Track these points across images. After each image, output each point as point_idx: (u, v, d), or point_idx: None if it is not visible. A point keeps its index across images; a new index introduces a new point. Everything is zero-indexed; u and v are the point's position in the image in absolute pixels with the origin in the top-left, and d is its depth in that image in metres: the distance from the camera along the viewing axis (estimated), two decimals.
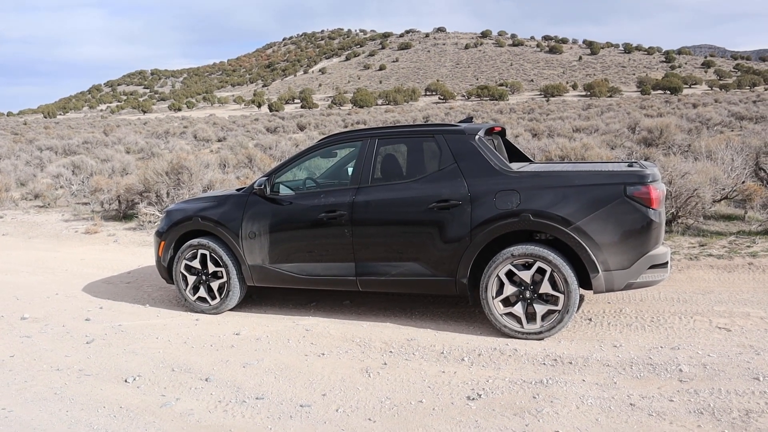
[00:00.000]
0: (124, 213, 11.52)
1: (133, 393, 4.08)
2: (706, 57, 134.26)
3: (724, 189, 8.34)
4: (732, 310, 5.10)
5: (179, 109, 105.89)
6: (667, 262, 4.65)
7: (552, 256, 4.52)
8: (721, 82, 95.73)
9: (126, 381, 4.26)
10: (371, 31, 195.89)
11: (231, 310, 5.83)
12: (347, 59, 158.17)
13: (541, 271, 4.60)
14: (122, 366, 4.54)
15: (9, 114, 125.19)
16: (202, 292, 5.79)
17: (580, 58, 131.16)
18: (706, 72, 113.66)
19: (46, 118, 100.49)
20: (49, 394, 4.10)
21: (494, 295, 4.72)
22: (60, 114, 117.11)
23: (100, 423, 3.68)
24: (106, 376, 4.37)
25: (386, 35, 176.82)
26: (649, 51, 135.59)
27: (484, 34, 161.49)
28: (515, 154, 5.97)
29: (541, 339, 4.66)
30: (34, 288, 6.91)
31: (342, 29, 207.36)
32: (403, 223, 4.99)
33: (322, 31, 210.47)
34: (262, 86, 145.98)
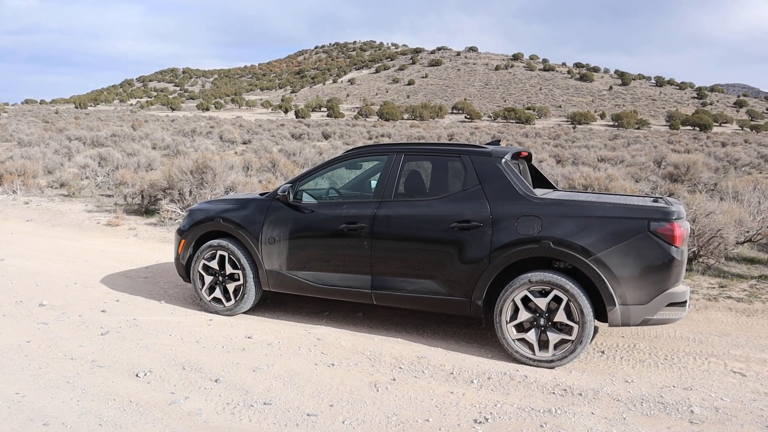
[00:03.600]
0: (146, 208, 11.68)
1: (144, 388, 4.13)
2: (738, 96, 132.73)
3: (748, 231, 8.22)
4: (748, 355, 5.02)
5: (207, 109, 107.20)
6: (686, 301, 4.60)
7: (569, 285, 4.50)
8: (752, 122, 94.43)
9: (137, 375, 4.31)
10: (403, 45, 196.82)
11: (245, 313, 5.87)
12: (377, 71, 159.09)
13: (557, 300, 4.57)
14: (134, 360, 4.59)
15: (42, 102, 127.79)
16: (217, 293, 5.84)
17: (611, 87, 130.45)
18: (737, 111, 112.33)
19: (77, 108, 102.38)
20: (62, 382, 4.16)
21: (508, 319, 4.70)
22: (91, 105, 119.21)
23: (110, 415, 3.72)
24: (118, 369, 4.42)
25: (417, 51, 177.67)
26: (681, 86, 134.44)
27: (516, 57, 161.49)
28: (539, 180, 5.97)
29: (552, 368, 4.62)
30: (53, 276, 7.03)
31: (374, 42, 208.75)
32: (422, 240, 5.01)
33: (354, 42, 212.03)
34: (291, 92, 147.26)
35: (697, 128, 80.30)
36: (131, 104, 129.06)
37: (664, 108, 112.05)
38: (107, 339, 5.03)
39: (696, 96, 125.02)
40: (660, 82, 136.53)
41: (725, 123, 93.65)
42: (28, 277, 6.88)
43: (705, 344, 5.28)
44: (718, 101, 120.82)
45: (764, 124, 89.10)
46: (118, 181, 12.84)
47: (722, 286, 6.97)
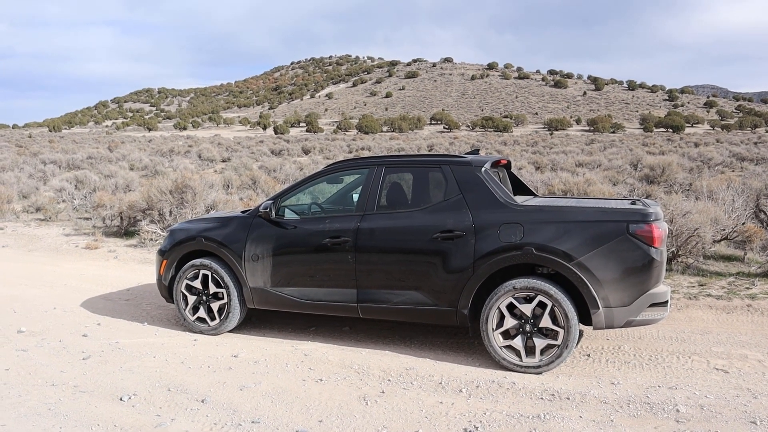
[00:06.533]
0: (126, 230, 11.54)
1: (128, 412, 4.06)
2: (708, 97, 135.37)
3: (724, 229, 8.37)
4: (730, 352, 5.09)
5: (185, 128, 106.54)
6: (667, 301, 4.67)
7: (553, 290, 4.54)
8: (722, 122, 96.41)
9: (121, 399, 4.24)
10: (378, 58, 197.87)
11: (230, 331, 5.82)
12: (354, 85, 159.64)
13: (542, 305, 4.61)
14: (118, 384, 4.52)
15: (14, 126, 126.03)
16: (201, 313, 5.78)
17: (585, 93, 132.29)
18: (708, 112, 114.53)
19: (51, 131, 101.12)
20: (43, 409, 4.08)
21: (494, 327, 4.72)
22: (65, 128, 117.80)
23: None
24: (102, 394, 4.35)
25: (394, 63, 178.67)
26: (653, 89, 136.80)
27: (491, 66, 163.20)
28: (519, 187, 6.03)
29: (540, 373, 4.64)
30: (31, 301, 6.90)
31: (350, 56, 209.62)
32: (406, 252, 5.02)
33: (330, 57, 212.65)
34: (269, 108, 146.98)
35: (670, 130, 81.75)
36: (107, 126, 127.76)
37: (637, 111, 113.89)
38: (89, 363, 4.94)
39: (667, 98, 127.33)
40: (632, 86, 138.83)
41: (697, 123, 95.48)
42: (5, 304, 6.74)
43: (687, 343, 5.35)
44: (688, 102, 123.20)
45: (734, 123, 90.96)
46: (95, 204, 12.66)
47: (702, 285, 7.07)
